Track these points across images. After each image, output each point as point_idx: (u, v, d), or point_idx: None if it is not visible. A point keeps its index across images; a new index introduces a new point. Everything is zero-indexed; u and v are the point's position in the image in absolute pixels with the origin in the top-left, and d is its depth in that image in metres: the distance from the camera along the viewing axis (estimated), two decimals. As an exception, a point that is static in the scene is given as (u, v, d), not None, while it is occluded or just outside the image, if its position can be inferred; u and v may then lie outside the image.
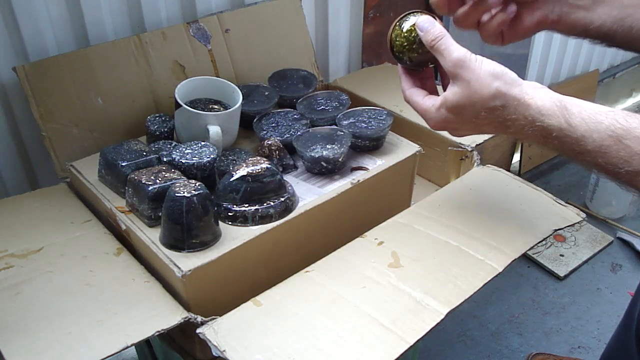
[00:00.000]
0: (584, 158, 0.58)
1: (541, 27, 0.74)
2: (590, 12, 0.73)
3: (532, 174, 1.76)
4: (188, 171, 0.76)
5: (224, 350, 0.60)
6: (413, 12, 0.69)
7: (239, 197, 0.74)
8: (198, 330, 0.63)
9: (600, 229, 1.57)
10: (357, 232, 0.76)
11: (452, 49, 0.61)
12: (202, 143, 0.80)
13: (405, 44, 0.68)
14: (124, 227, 0.75)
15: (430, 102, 0.65)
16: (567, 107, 0.58)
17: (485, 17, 0.73)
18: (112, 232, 0.78)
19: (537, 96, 0.59)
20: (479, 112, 0.61)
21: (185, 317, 0.65)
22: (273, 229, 0.74)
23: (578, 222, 0.78)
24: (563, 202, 0.81)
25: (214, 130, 0.81)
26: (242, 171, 0.74)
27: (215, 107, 0.88)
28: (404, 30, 0.68)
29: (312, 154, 0.82)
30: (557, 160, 1.83)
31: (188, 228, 0.68)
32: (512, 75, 0.60)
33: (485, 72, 0.59)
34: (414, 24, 0.67)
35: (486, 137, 0.97)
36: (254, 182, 0.74)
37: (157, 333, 0.63)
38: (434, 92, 0.68)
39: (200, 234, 0.69)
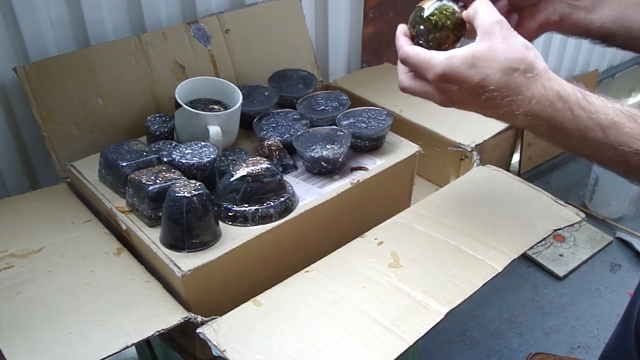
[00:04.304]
0: (594, 135, 0.57)
1: (543, 29, 0.74)
2: (590, 13, 0.73)
3: (531, 174, 1.76)
4: (188, 171, 0.76)
5: (224, 350, 0.60)
6: None
7: (239, 197, 0.74)
8: (198, 330, 0.63)
9: (600, 229, 1.57)
10: (357, 232, 0.76)
11: (496, 11, 0.60)
12: (202, 143, 0.80)
13: (428, 26, 0.65)
14: (124, 227, 0.75)
15: (438, 52, 0.61)
16: (583, 89, 0.59)
17: None
18: (112, 232, 0.78)
19: (557, 77, 0.59)
20: (494, 71, 0.57)
21: (185, 317, 0.65)
22: (273, 229, 0.74)
23: (577, 222, 0.78)
24: (562, 202, 0.81)
25: (214, 130, 0.81)
26: (242, 171, 0.74)
27: (215, 107, 0.88)
28: (425, 15, 0.65)
29: (312, 154, 0.82)
30: (556, 160, 1.83)
31: (188, 228, 0.68)
32: (538, 53, 0.60)
33: (520, 39, 0.59)
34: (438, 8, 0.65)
35: (486, 137, 0.97)
36: (254, 182, 0.74)
37: (157, 333, 0.63)
38: None
39: (200, 234, 0.69)
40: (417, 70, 0.62)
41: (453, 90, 0.59)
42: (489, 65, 0.58)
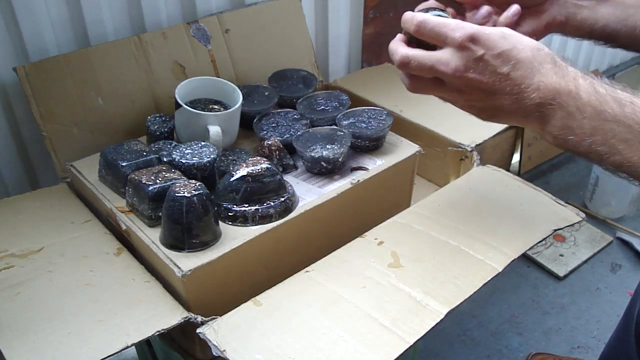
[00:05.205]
0: (612, 110, 0.57)
1: (549, 30, 0.75)
2: (594, 12, 0.73)
3: (532, 174, 1.76)
4: (188, 171, 0.76)
5: (224, 350, 0.60)
6: (432, 9, 0.66)
7: (239, 197, 0.74)
8: (198, 330, 0.63)
9: (600, 229, 1.57)
10: (357, 232, 0.76)
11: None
12: (202, 143, 0.80)
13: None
14: (124, 227, 0.75)
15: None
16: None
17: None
18: (112, 232, 0.78)
19: None
20: (523, 46, 0.57)
21: (186, 317, 0.65)
22: (273, 229, 0.74)
23: (578, 222, 0.78)
24: (563, 202, 0.81)
25: (214, 130, 0.81)
26: (242, 171, 0.74)
27: (215, 107, 0.88)
28: None
29: (312, 154, 0.82)
30: (556, 160, 1.83)
31: (188, 228, 0.68)
32: None
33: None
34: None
35: (486, 137, 0.97)
36: (254, 182, 0.74)
37: (157, 333, 0.63)
38: None
39: (200, 234, 0.69)
40: (434, 35, 0.59)
41: (476, 55, 0.57)
42: (518, 41, 0.58)
